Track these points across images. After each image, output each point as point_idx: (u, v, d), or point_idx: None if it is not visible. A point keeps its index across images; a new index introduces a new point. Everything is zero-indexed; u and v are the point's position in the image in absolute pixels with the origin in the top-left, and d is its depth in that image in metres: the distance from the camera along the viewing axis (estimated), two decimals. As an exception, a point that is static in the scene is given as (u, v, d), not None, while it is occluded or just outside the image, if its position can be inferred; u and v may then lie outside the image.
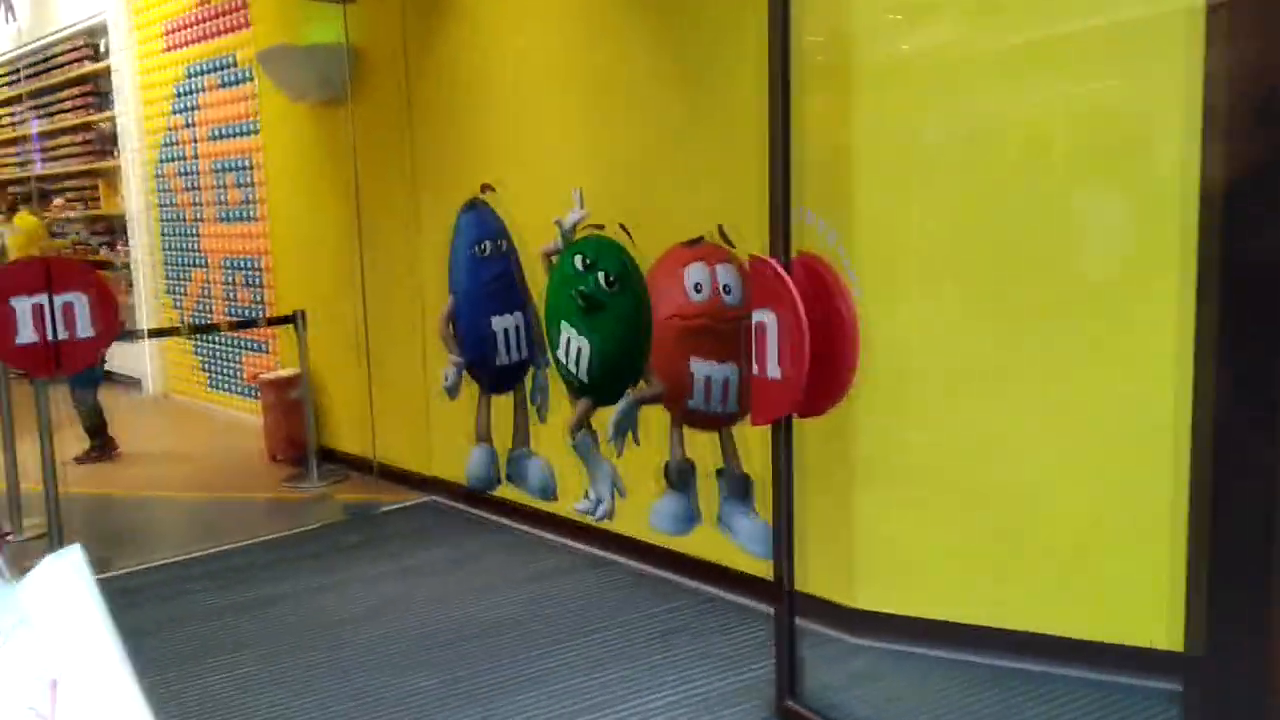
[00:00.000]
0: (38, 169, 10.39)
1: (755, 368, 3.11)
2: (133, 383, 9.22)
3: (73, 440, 6.71)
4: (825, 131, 3.52)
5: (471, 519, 5.34)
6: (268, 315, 7.05)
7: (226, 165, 7.71)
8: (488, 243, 5.08)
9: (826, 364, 3.05)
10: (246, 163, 7.42)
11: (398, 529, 5.26)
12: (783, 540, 3.46)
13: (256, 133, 7.23)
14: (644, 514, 4.49)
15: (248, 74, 7.14)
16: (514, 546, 4.90)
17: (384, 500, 5.70)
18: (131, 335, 7.47)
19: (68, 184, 10.31)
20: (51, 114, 10.39)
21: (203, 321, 8.25)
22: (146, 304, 9.02)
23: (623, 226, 4.38)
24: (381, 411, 5.91)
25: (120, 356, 9.25)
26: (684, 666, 3.59)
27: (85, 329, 4.62)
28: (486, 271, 5.12)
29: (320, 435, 6.31)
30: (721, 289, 4.03)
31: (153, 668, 3.75)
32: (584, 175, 4.56)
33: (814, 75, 3.46)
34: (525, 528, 5.09)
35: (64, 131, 10.19)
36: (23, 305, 4.49)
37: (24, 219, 9.71)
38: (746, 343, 3.26)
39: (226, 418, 7.76)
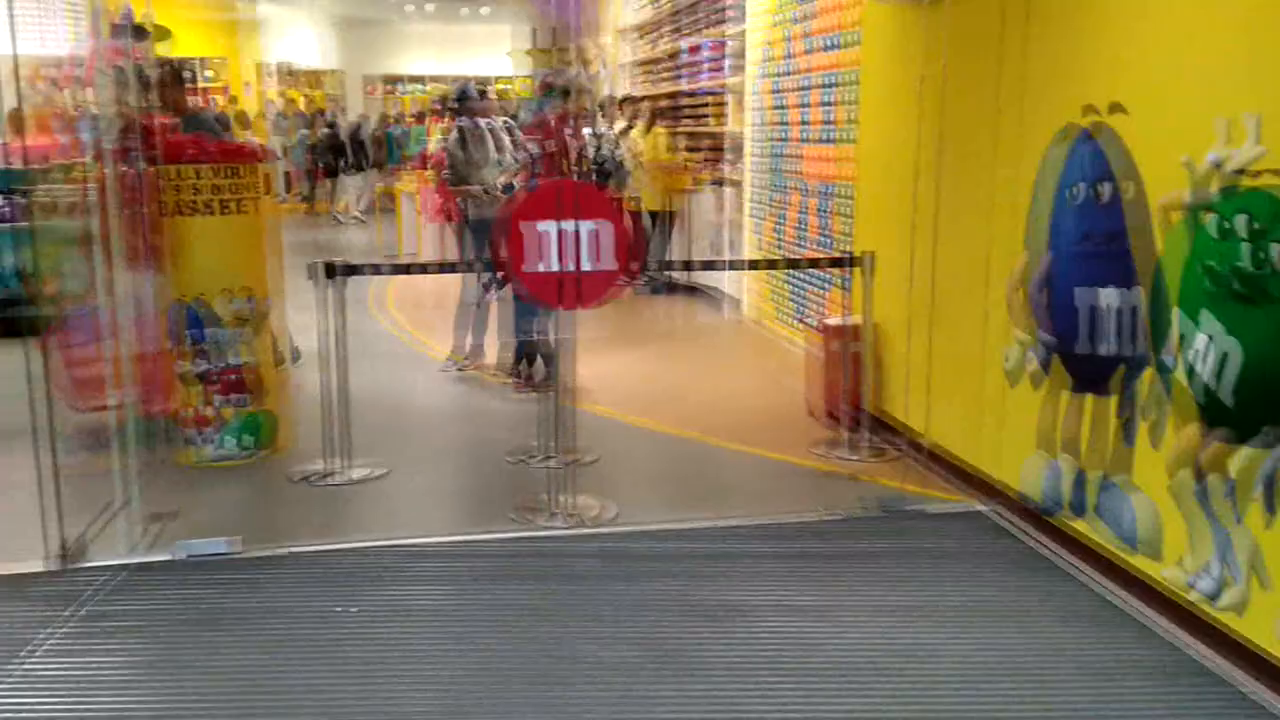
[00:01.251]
0: (697, 79, 10.33)
1: None
2: (714, 302, 9.09)
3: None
4: None
5: (1028, 549, 4.04)
6: (848, 251, 6.17)
7: (812, 81, 6.96)
8: (1083, 186, 3.66)
9: None
10: (835, 79, 6.58)
11: (932, 544, 4.11)
12: None
13: (843, 46, 6.36)
14: None
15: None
16: (1074, 607, 3.56)
17: (927, 495, 4.59)
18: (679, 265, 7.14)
19: (685, 101, 10.35)
20: (685, 33, 10.45)
21: (780, 249, 7.70)
22: (746, 226, 8.72)
23: (1303, 173, 2.78)
24: (938, 385, 4.78)
25: (712, 277, 9.16)
26: None
27: (598, 261, 4.14)
28: (1079, 225, 3.72)
29: (870, 399, 5.37)
30: None
31: (586, 678, 3.13)
32: (1243, 95, 2.98)
33: None
34: (1097, 581, 3.71)
35: (696, 49, 10.16)
36: (536, 230, 4.11)
37: (643, 132, 9.93)
38: None
39: (789, 355, 7.12)
